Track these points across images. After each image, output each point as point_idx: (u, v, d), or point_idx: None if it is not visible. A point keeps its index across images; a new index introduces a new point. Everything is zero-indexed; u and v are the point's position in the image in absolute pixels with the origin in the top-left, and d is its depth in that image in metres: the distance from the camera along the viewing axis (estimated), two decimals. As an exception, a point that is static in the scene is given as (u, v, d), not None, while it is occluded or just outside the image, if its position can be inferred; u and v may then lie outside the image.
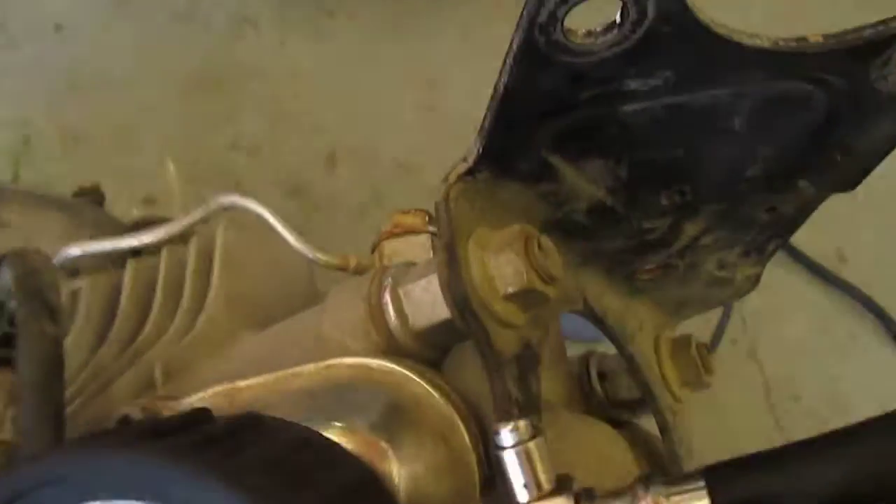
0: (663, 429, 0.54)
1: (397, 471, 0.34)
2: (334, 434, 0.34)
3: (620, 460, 0.54)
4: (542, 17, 0.29)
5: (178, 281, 0.52)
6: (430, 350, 0.41)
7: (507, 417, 0.35)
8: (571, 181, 0.42)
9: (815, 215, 0.49)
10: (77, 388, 0.46)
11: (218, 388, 0.39)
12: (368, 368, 0.37)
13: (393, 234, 0.50)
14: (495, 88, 0.34)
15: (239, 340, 0.46)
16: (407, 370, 0.37)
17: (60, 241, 0.93)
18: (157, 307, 0.50)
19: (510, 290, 0.37)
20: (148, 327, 0.49)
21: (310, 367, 0.38)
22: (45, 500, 0.25)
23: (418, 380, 0.37)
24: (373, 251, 0.51)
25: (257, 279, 0.51)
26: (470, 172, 0.38)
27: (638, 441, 0.57)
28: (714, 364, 0.58)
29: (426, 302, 0.40)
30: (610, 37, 0.31)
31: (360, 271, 0.50)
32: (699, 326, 0.66)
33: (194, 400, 0.40)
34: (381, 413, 0.35)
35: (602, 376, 0.59)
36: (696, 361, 0.57)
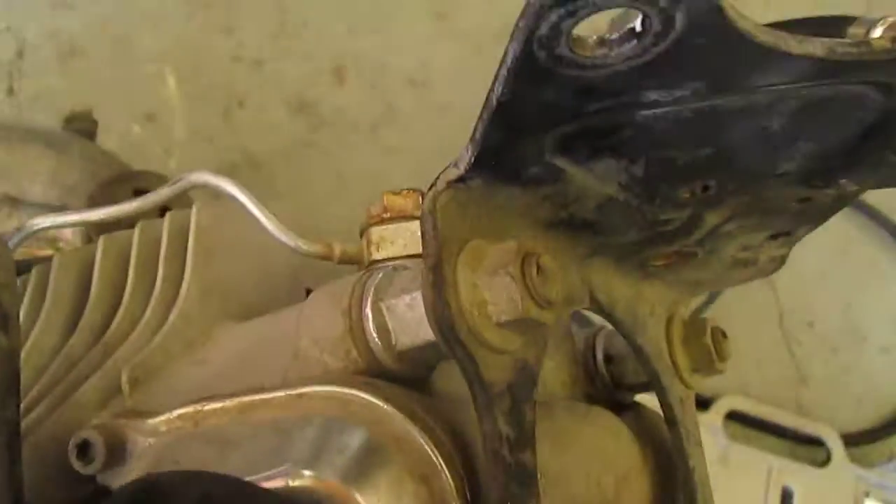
0: (671, 421, 0.51)
1: (372, 522, 0.31)
2: (303, 483, 0.31)
3: (623, 454, 0.51)
4: (543, 31, 0.24)
5: (152, 261, 0.48)
6: (415, 369, 0.37)
7: (495, 457, 0.32)
8: (579, 182, 0.36)
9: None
10: (45, 386, 0.43)
11: (183, 411, 0.36)
12: (345, 401, 0.33)
13: (382, 219, 0.45)
14: (487, 99, 0.28)
15: (214, 338, 0.43)
16: (387, 404, 0.33)
17: (49, 182, 0.89)
18: (130, 292, 0.47)
19: (503, 318, 0.33)
20: (119, 316, 0.45)
21: (280, 396, 0.34)
22: None
23: (400, 415, 0.33)
24: (361, 236, 0.47)
25: (235, 264, 0.47)
26: (461, 180, 0.33)
27: (643, 427, 0.55)
28: (730, 350, 0.55)
29: (411, 320, 0.36)
30: (627, 48, 0.25)
31: (345, 260, 0.46)
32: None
33: (158, 422, 0.37)
34: (356, 458, 0.32)
35: (608, 359, 0.56)
36: (710, 348, 0.53)
